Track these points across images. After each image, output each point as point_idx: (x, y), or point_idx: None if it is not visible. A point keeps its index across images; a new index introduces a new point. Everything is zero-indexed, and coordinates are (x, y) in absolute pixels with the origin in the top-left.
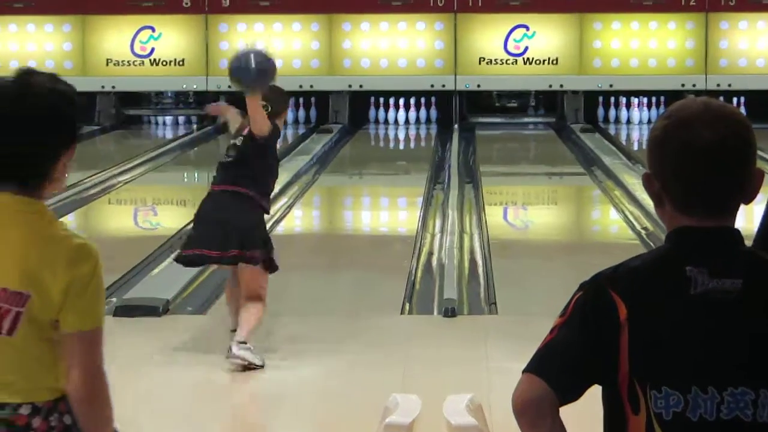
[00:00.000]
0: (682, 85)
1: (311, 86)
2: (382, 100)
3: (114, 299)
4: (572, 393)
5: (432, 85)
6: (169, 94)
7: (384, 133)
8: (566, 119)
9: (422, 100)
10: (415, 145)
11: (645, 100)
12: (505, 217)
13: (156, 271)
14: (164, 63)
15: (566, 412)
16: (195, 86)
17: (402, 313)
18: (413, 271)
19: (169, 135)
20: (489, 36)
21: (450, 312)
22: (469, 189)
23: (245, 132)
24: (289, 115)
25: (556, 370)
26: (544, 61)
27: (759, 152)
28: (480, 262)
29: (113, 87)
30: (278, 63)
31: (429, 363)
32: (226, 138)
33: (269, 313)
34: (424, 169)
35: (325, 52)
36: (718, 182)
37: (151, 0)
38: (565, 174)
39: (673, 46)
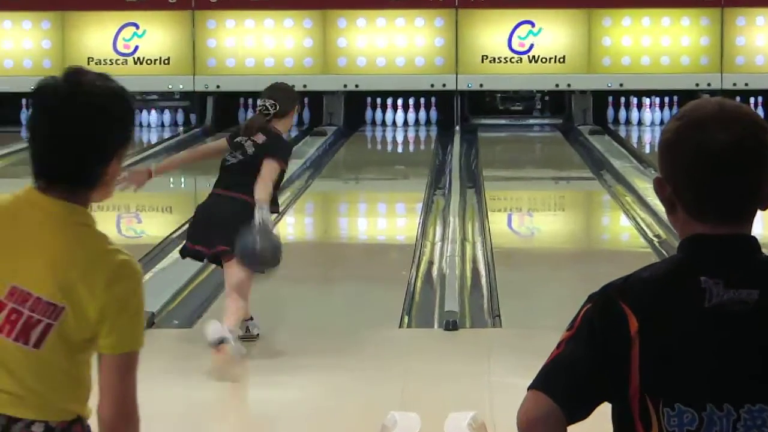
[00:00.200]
0: (697, 85)
1: (304, 86)
2: (379, 100)
3: None
4: (580, 411)
5: (432, 85)
6: (155, 97)
7: (381, 136)
8: (574, 120)
9: (422, 100)
10: (415, 149)
11: (657, 100)
12: (509, 224)
13: None
14: (149, 62)
15: (574, 431)
16: (181, 86)
17: (401, 326)
18: (412, 282)
19: (153, 139)
20: (492, 33)
21: (451, 325)
22: (472, 194)
23: (259, 140)
24: None
25: (564, 387)
26: (550, 59)
27: None
28: (483, 272)
29: None
30: (269, 62)
31: (429, 379)
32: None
33: (261, 327)
34: (424, 174)
35: (319, 50)
36: (734, 187)
37: None
38: (572, 178)
39: (686, 43)
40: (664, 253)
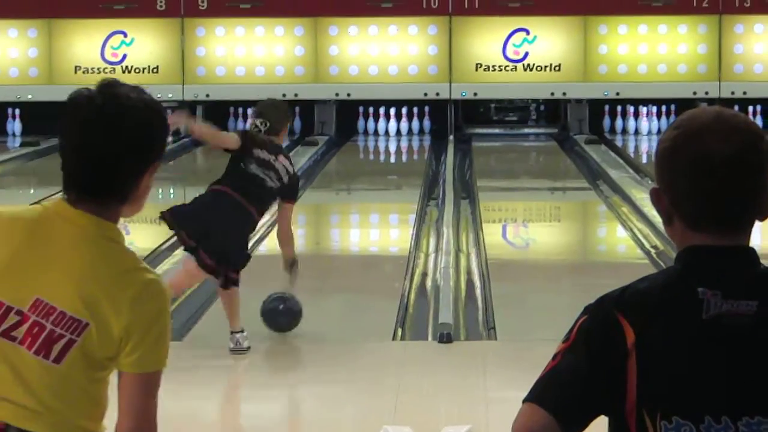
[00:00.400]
0: (694, 93)
1: (295, 95)
2: (371, 109)
3: None
4: (577, 424)
5: (425, 94)
6: None
7: (374, 146)
8: (570, 130)
9: (415, 109)
10: (408, 158)
11: (654, 109)
12: (504, 235)
13: None
14: (137, 70)
15: None
16: (170, 95)
17: (394, 338)
18: (406, 294)
19: None
20: (486, 40)
21: (445, 337)
22: (466, 205)
23: (287, 166)
24: None
25: (560, 400)
26: (545, 67)
27: None
28: (477, 283)
29: None
30: (260, 70)
31: (423, 392)
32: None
33: (252, 339)
34: (417, 184)
35: (311, 58)
36: (733, 197)
37: (123, 3)
38: (568, 189)
39: (684, 50)
40: (662, 264)
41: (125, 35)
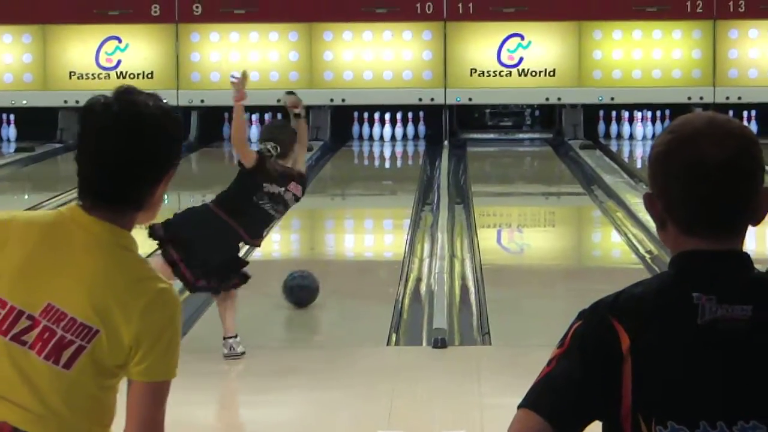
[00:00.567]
0: (689, 98)
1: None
2: (366, 115)
3: None
4: (572, 429)
5: (420, 99)
6: None
7: (368, 151)
8: (564, 135)
9: (409, 114)
10: (402, 164)
11: (649, 114)
12: (498, 240)
13: None
14: (131, 76)
15: None
16: (165, 101)
17: (388, 344)
18: (400, 299)
19: None
20: (481, 46)
21: (440, 343)
22: (460, 210)
23: (298, 192)
24: None
25: (554, 405)
26: (540, 72)
27: None
28: (472, 288)
29: (77, 102)
30: (254, 76)
31: (417, 398)
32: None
33: (248, 345)
34: (412, 189)
35: (305, 63)
36: (726, 202)
37: (118, 8)
38: (563, 194)
39: (678, 56)
40: (656, 269)
41: (120, 41)
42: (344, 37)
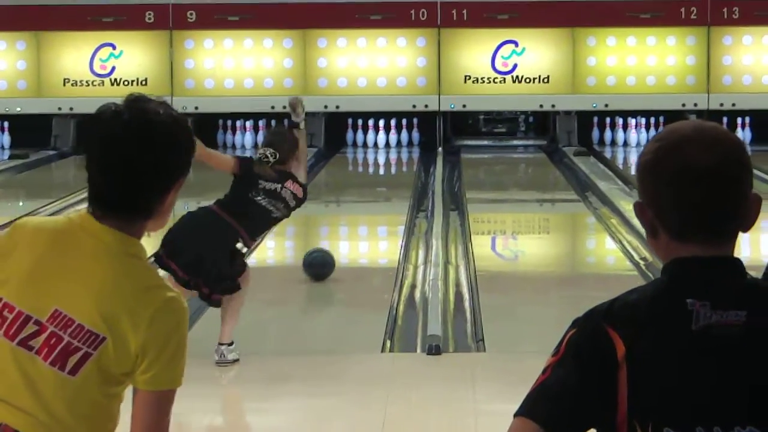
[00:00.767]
0: (683, 105)
1: (284, 107)
2: (360, 121)
3: None
4: None
5: (414, 106)
6: None
7: (362, 158)
8: (558, 142)
9: (404, 121)
10: (396, 170)
11: (643, 120)
12: (493, 247)
13: None
14: (126, 83)
15: None
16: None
17: (383, 350)
18: (395, 306)
19: None
20: (475, 52)
21: (434, 349)
22: (455, 217)
23: (300, 194)
24: (260, 138)
25: (551, 413)
26: (534, 79)
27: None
28: (466, 295)
29: (71, 109)
30: (249, 82)
31: (412, 405)
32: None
33: (243, 351)
34: (406, 196)
35: (299, 70)
36: (717, 209)
37: (112, 15)
38: (557, 200)
39: (672, 62)
40: (650, 275)
41: (114, 47)
42: (338, 43)
